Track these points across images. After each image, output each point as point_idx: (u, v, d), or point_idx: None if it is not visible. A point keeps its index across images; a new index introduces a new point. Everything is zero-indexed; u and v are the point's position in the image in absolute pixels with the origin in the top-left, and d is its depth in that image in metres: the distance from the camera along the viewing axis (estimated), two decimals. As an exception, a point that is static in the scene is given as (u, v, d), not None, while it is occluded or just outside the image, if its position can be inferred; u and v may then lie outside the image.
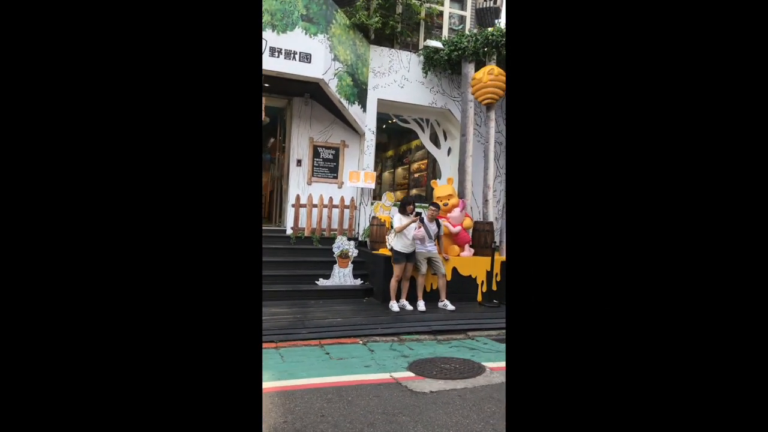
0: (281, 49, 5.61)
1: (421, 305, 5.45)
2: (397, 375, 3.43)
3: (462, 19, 7.63)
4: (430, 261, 5.44)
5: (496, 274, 6.01)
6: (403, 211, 5.19)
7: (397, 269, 5.16)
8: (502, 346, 4.42)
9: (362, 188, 6.70)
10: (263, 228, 6.74)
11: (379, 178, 10.54)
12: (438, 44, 6.61)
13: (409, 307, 5.27)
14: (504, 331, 5.03)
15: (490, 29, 6.38)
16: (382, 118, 7.58)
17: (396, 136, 9.69)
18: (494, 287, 5.99)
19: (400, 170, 10.53)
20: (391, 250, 5.21)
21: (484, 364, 3.76)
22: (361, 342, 4.39)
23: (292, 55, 5.66)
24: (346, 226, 6.66)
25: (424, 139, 7.61)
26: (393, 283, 5.22)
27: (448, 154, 7.58)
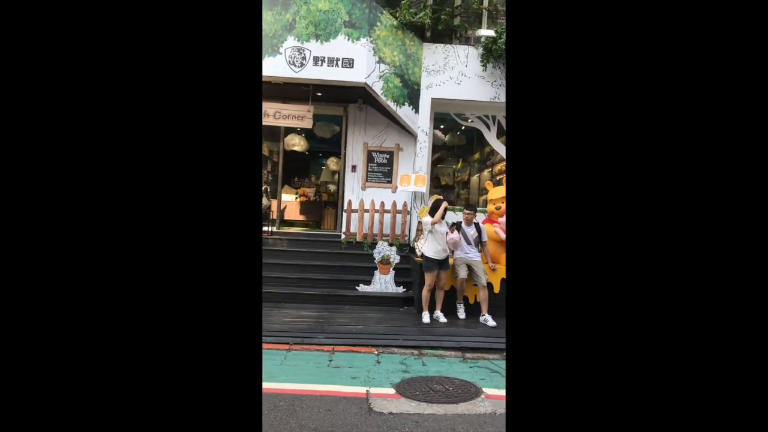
0: (324, 57, 5.73)
1: (461, 314, 4.98)
2: (375, 391, 3.15)
3: (534, 2, 6.87)
4: (470, 269, 4.94)
5: (558, 288, 5.17)
6: (434, 215, 4.82)
7: (428, 277, 4.80)
8: (534, 372, 3.76)
9: (414, 192, 6.43)
10: (313, 233, 6.95)
11: (467, 183, 10.07)
12: (490, 32, 6.05)
13: (443, 320, 4.84)
14: (550, 354, 4.30)
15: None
16: (442, 118, 7.23)
17: (481, 137, 9.15)
18: (555, 303, 5.15)
19: (486, 173, 9.92)
20: (422, 256, 4.87)
21: (486, 389, 3.24)
22: (375, 352, 4.18)
23: (334, 62, 5.75)
24: (399, 231, 6.47)
25: (491, 137, 7.02)
26: (425, 292, 4.86)
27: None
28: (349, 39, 5.77)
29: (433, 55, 6.43)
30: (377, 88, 5.92)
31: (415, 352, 4.24)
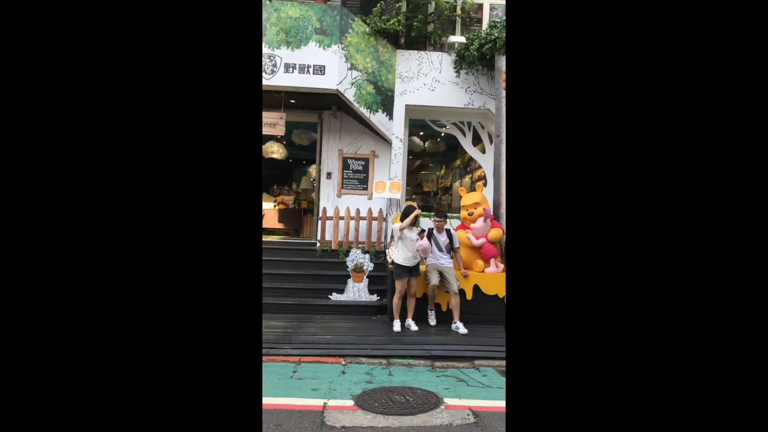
0: (295, 64, 5.70)
1: (432, 321, 4.93)
2: (333, 403, 3.07)
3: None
4: (442, 276, 4.88)
5: (531, 294, 5.13)
6: (404, 226, 4.77)
7: (398, 285, 4.74)
8: (502, 381, 3.71)
9: (390, 199, 6.39)
10: (291, 241, 6.86)
11: (449, 189, 10.05)
12: (461, 39, 6.06)
13: (415, 328, 4.77)
14: (520, 362, 4.24)
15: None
16: (420, 125, 7.22)
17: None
18: (528, 309, 5.11)
19: (467, 179, 9.92)
20: (392, 263, 4.81)
21: (448, 400, 3.17)
22: (343, 362, 4.09)
23: (306, 69, 5.72)
24: (374, 238, 6.41)
25: (466, 143, 7.01)
26: (395, 300, 4.79)
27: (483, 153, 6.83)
28: (320, 46, 5.74)
29: (407, 61, 6.43)
30: (349, 94, 5.89)
31: (384, 361, 4.16)
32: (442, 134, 7.41)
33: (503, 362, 4.28)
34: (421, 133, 8.22)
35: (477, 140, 7.03)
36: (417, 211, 4.78)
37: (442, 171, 10.50)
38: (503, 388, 3.51)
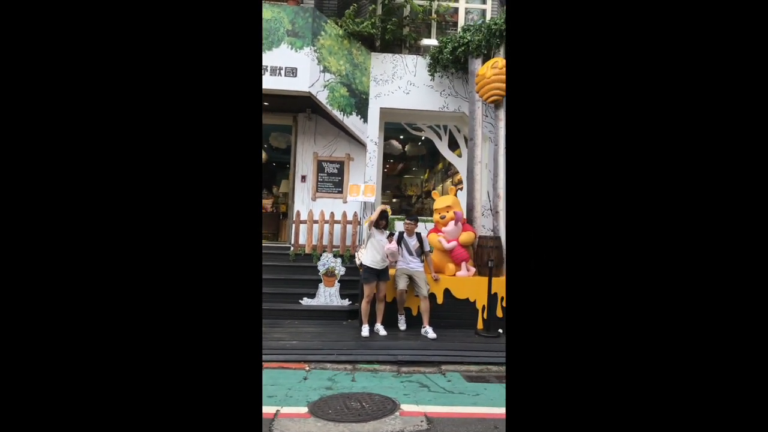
0: (267, 66, 5.64)
1: (402, 325, 4.87)
2: (286, 411, 2.99)
3: (483, 13, 6.93)
4: (411, 279, 4.83)
5: (502, 298, 5.10)
6: (376, 225, 4.71)
7: (366, 289, 4.67)
8: (466, 386, 3.66)
9: (365, 202, 6.33)
10: (267, 245, 6.76)
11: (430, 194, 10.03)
12: (433, 42, 6.05)
13: (383, 333, 4.71)
14: (487, 367, 4.21)
15: (490, 19, 5.63)
16: (399, 129, 7.18)
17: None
18: (499, 313, 5.08)
19: (448, 183, 9.90)
20: (361, 266, 4.75)
21: (405, 406, 3.11)
22: (307, 368, 4.01)
23: (277, 71, 5.66)
24: (349, 242, 6.34)
25: (442, 147, 6.99)
26: (363, 304, 4.73)
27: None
28: (292, 48, 5.69)
29: (382, 64, 6.40)
30: (322, 97, 5.84)
31: (349, 367, 4.09)
32: (423, 138, 7.38)
33: (470, 367, 4.23)
34: (402, 137, 8.19)
35: (452, 143, 7.00)
36: (381, 208, 4.73)
37: (426, 175, 10.48)
38: (465, 394, 3.46)
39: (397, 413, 2.96)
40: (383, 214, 4.72)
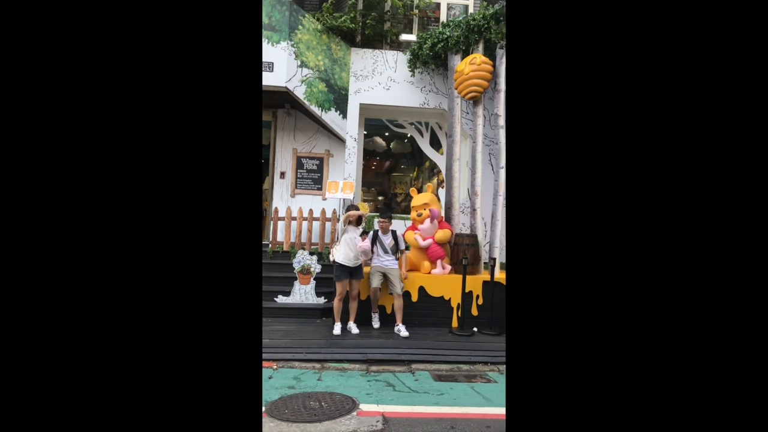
0: (243, 61, 5.55)
1: (376, 323, 4.83)
2: (242, 410, 2.93)
3: (466, 9, 6.86)
4: (386, 277, 4.78)
5: (477, 296, 5.05)
6: (350, 222, 4.65)
7: (338, 286, 4.61)
8: (433, 385, 3.61)
9: (343, 199, 6.27)
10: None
11: (420, 190, 9.94)
12: (411, 37, 5.98)
13: (356, 331, 4.65)
14: (457, 366, 4.16)
15: (474, 14, 5.57)
16: (380, 125, 7.12)
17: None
18: (474, 312, 5.04)
19: (434, 181, 9.84)
20: (333, 263, 4.69)
21: (365, 405, 3.06)
22: (274, 367, 3.95)
23: (253, 65, 5.57)
24: (328, 239, 6.27)
25: (424, 144, 6.93)
26: (336, 302, 4.67)
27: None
28: (268, 42, 5.61)
29: (362, 60, 6.33)
30: (299, 92, 5.77)
31: (318, 365, 4.04)
32: (409, 135, 7.32)
33: (441, 366, 4.18)
34: (387, 134, 8.13)
35: (434, 140, 6.95)
36: (357, 213, 4.67)
37: (414, 173, 10.42)
38: (429, 393, 3.41)
39: (355, 413, 2.90)
40: (351, 208, 4.66)
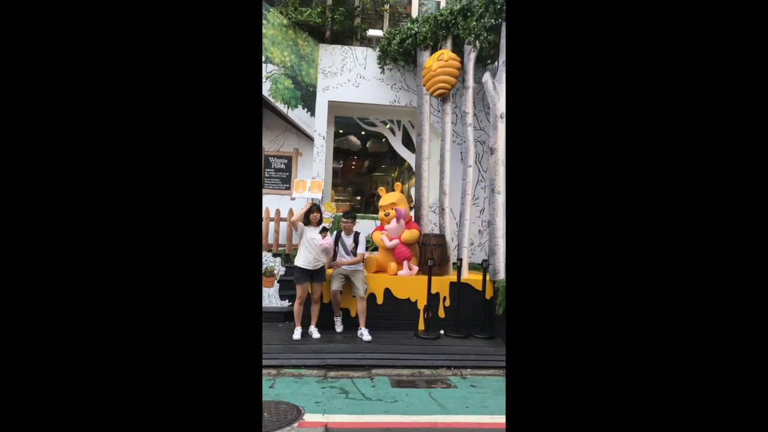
0: (204, 56, 5.36)
1: (339, 327, 4.68)
2: (177, 423, 2.75)
3: (438, 6, 6.74)
4: (348, 280, 4.63)
5: (444, 298, 4.93)
6: (306, 221, 4.49)
7: (298, 290, 4.45)
8: (389, 392, 3.47)
9: (312, 199, 6.10)
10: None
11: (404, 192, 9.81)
12: (378, 33, 5.85)
13: (317, 335, 4.49)
14: (419, 371, 4.03)
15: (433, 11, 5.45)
16: (352, 124, 6.97)
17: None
18: (441, 314, 4.91)
19: (413, 181, 9.72)
20: (293, 266, 4.52)
21: (310, 416, 2.90)
22: (227, 374, 3.77)
23: (215, 60, 5.39)
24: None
25: (396, 143, 6.80)
26: (296, 306, 4.51)
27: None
28: (231, 37, 5.42)
29: (330, 56, 6.17)
30: (264, 89, 5.59)
31: (273, 372, 3.87)
32: (386, 135, 7.17)
33: (402, 371, 4.04)
34: (363, 133, 7.98)
35: (406, 139, 6.82)
36: (309, 205, 4.51)
37: (396, 173, 10.29)
38: (383, 401, 3.26)
39: (296, 424, 2.75)
40: (313, 209, 4.50)
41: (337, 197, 8.10)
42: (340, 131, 7.40)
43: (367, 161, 9.53)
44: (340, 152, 7.79)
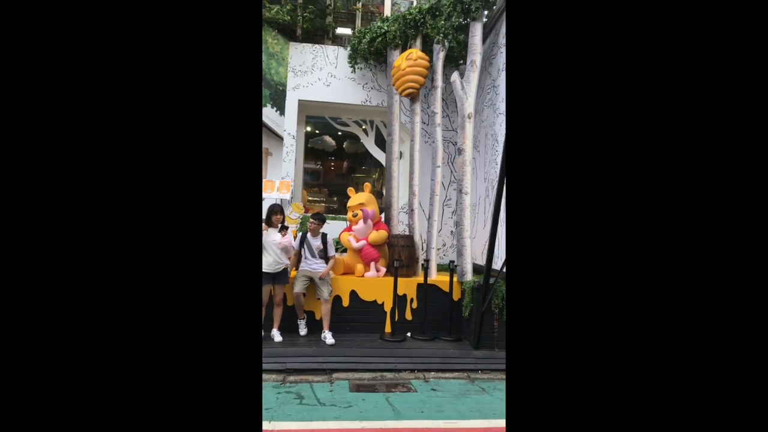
0: (168, 53, 5.24)
1: (302, 330, 4.59)
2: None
3: (411, 5, 6.69)
4: (312, 282, 4.54)
5: (411, 300, 4.86)
6: (268, 222, 4.39)
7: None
8: (345, 397, 3.39)
9: (281, 200, 6.00)
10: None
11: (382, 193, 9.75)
12: (347, 31, 5.78)
13: (278, 339, 4.39)
14: (381, 374, 3.95)
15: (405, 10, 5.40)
16: (320, 123, 6.89)
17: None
18: (409, 316, 4.84)
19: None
20: (255, 269, 4.41)
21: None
22: (182, 380, 3.66)
23: (179, 58, 5.26)
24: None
25: (369, 143, 6.73)
26: (258, 308, 4.39)
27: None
28: (196, 34, 5.31)
29: (301, 54, 6.08)
30: (231, 87, 5.48)
31: (230, 377, 3.76)
32: (359, 135, 7.10)
33: (363, 374, 3.97)
34: (339, 133, 7.90)
35: (379, 140, 6.75)
36: (273, 208, 4.42)
37: (377, 173, 10.23)
38: (336, 406, 3.18)
39: (240, 432, 2.65)
40: (273, 209, 4.40)
41: (312, 198, 8.01)
42: (317, 132, 7.31)
43: (345, 162, 9.46)
44: (315, 153, 7.70)
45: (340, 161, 9.08)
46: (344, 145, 8.34)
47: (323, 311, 4.51)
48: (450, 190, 6.21)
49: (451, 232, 6.18)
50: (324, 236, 4.65)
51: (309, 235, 4.64)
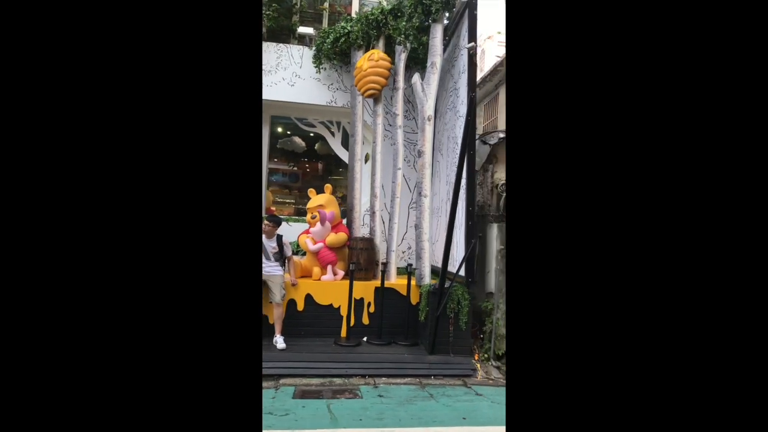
0: (123, 49, 5.09)
1: None
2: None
3: (380, 5, 6.64)
4: (265, 284, 4.43)
5: (369, 304, 4.78)
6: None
7: (209, 295, 4.22)
8: (284, 404, 3.29)
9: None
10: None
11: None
12: (309, 30, 5.71)
13: (229, 343, 4.26)
14: (330, 380, 3.86)
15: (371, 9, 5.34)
16: (284, 123, 6.78)
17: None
18: (366, 320, 4.76)
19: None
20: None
21: None
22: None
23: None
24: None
25: (335, 144, 6.65)
26: (207, 312, 4.27)
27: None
28: (153, 30, 5.17)
29: (265, 54, 5.97)
30: (189, 85, 5.35)
31: (172, 383, 3.63)
32: (325, 136, 6.99)
33: (312, 380, 3.87)
34: (312, 135, 7.80)
35: (346, 141, 6.66)
36: None
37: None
38: (272, 414, 3.08)
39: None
40: None
41: (281, 200, 7.89)
42: (288, 132, 7.21)
43: (320, 164, 9.35)
44: (286, 154, 7.59)
45: (315, 163, 8.98)
46: (316, 147, 8.24)
47: (275, 315, 4.40)
48: (416, 192, 6.15)
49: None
50: (279, 238, 4.55)
51: (264, 237, 4.53)
